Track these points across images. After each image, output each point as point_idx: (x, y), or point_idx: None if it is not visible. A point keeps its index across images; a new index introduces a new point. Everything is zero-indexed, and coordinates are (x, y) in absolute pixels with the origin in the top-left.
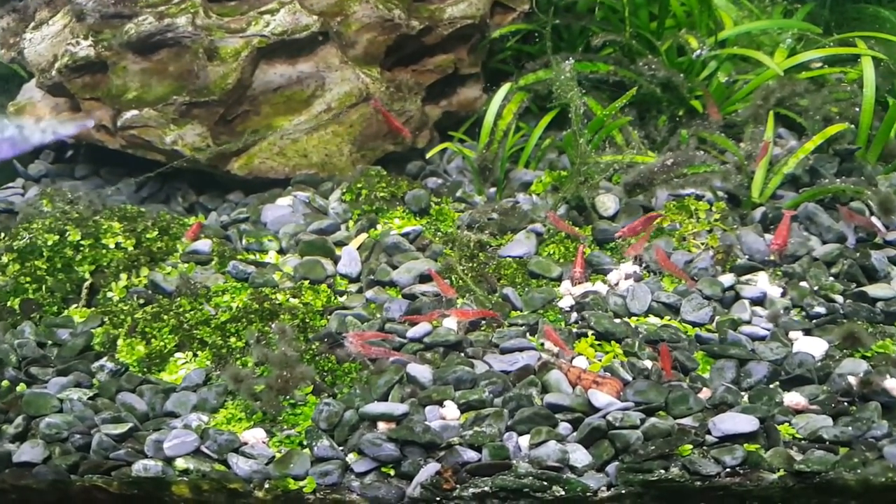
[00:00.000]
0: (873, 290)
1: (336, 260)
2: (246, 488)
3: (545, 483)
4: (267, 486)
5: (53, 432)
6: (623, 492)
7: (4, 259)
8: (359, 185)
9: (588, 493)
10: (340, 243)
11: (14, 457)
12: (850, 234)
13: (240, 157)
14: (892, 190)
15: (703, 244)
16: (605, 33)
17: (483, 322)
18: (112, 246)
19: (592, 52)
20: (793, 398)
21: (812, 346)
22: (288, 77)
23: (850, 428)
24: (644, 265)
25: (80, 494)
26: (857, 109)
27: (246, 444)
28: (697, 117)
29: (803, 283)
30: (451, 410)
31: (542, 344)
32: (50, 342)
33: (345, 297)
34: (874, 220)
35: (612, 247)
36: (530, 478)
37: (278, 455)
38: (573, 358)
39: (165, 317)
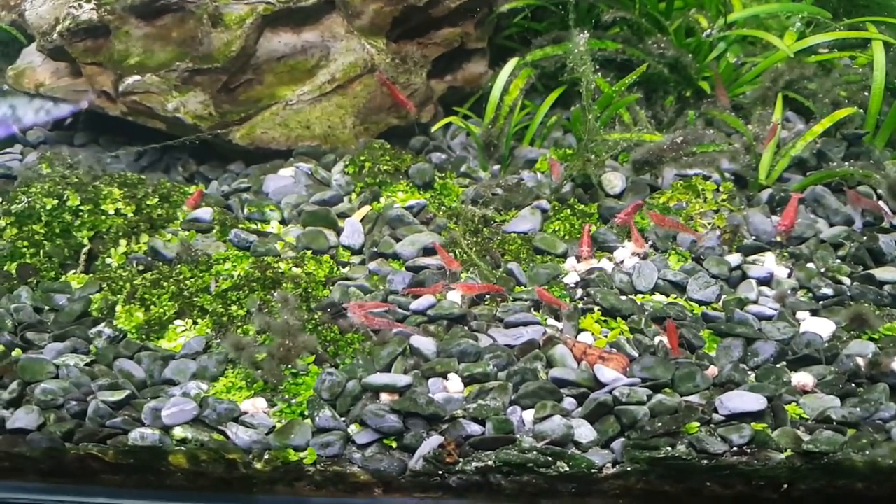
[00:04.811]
0: (881, 273)
1: (339, 231)
2: (245, 459)
3: (549, 458)
4: (267, 456)
5: (49, 399)
6: (628, 469)
7: (2, 223)
8: (362, 158)
9: (593, 470)
10: (343, 215)
11: (8, 423)
12: (857, 217)
13: (242, 126)
14: None
15: (709, 224)
16: (614, 10)
17: (487, 296)
18: (112, 212)
19: (601, 31)
20: (800, 378)
21: (820, 327)
22: (292, 46)
23: (857, 409)
24: (650, 243)
25: (74, 463)
26: (866, 94)
27: (246, 413)
28: (705, 98)
29: (810, 265)
30: (454, 383)
31: (546, 319)
32: (47, 307)
33: (347, 268)
34: (881, 203)
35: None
36: (534, 453)
37: (279, 425)
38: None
39: (165, 284)
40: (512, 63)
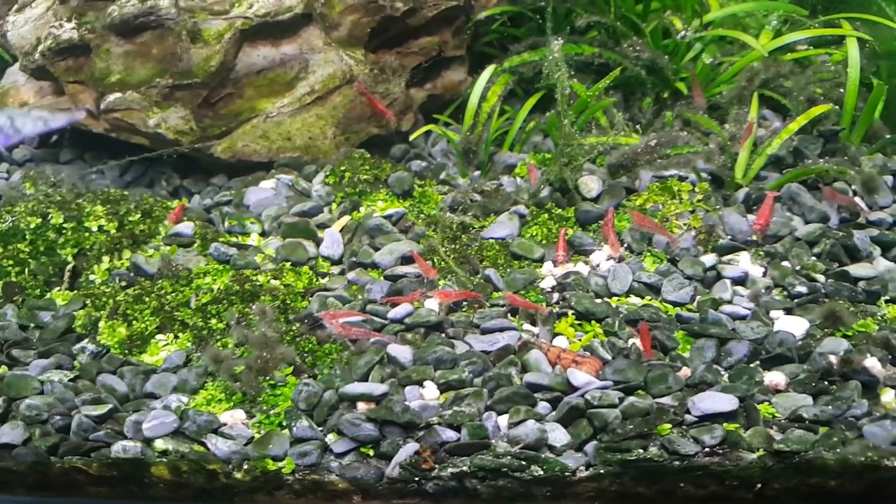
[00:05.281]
0: (855, 269)
1: (318, 242)
2: (225, 469)
3: (524, 462)
4: (246, 466)
5: (34, 414)
6: (601, 471)
7: None
8: (342, 168)
9: (566, 473)
10: (323, 226)
11: None
12: (833, 214)
13: (223, 140)
14: (875, 170)
15: (685, 225)
16: (589, 14)
17: (465, 303)
18: (95, 229)
19: (577, 35)
20: (773, 377)
21: (793, 326)
22: (271, 59)
23: (829, 407)
24: (625, 245)
25: (59, 476)
26: (842, 91)
27: (225, 424)
28: (682, 99)
29: (785, 263)
30: (430, 390)
31: (522, 324)
32: (32, 325)
33: (327, 278)
34: (857, 200)
35: (595, 228)
36: (509, 457)
37: (257, 436)
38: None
39: (147, 299)
40: (489, 70)
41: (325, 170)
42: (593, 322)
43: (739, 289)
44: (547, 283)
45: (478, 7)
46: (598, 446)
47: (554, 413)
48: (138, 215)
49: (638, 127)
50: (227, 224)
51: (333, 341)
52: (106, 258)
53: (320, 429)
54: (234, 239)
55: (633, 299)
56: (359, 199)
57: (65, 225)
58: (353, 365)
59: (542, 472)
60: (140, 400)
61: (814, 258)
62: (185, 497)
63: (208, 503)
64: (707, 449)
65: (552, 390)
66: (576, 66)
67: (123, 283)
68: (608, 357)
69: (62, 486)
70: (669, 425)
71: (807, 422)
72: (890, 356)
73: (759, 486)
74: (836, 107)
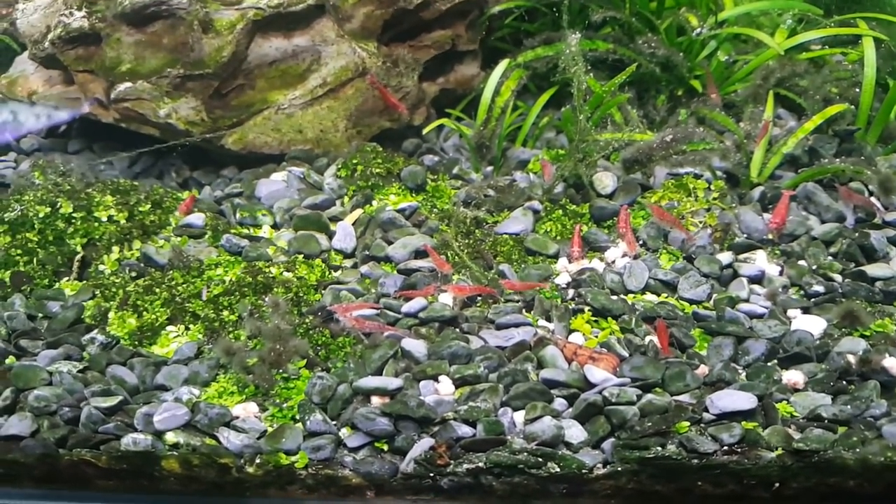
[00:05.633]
0: (872, 269)
1: (331, 235)
2: (237, 463)
3: (540, 459)
4: (258, 460)
5: (42, 405)
6: (619, 469)
7: None
8: (354, 161)
9: (583, 470)
10: (335, 218)
11: (1, 430)
12: (849, 213)
13: (234, 131)
14: (891, 170)
15: (700, 223)
16: (604, 10)
17: (479, 298)
18: (104, 219)
19: (592, 31)
20: (791, 376)
21: (811, 325)
22: (283, 50)
23: (848, 406)
24: (641, 242)
25: (68, 468)
26: (857, 90)
27: (237, 417)
28: (697, 97)
29: (802, 262)
30: (445, 385)
31: (538, 320)
32: (40, 315)
33: (339, 271)
34: (873, 199)
35: (610, 224)
36: (525, 454)
37: (270, 429)
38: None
39: (157, 290)
40: (503, 65)
41: (336, 163)
42: (609, 319)
43: (756, 287)
44: (562, 280)
45: (492, 1)
46: (615, 443)
47: (571, 410)
48: (148, 206)
49: (652, 125)
50: (238, 216)
51: (347, 334)
52: (116, 248)
53: (334, 423)
54: (245, 231)
55: (650, 296)
56: (371, 193)
57: (74, 214)
58: (366, 359)
59: (558, 469)
60: (150, 392)
61: (830, 258)
62: (196, 491)
63: (220, 498)
64: (725, 447)
65: (569, 387)
66: (590, 62)
67: (133, 274)
68: (625, 354)
69: (71, 478)
70: (688, 423)
71: (826, 421)
72: None
73: (777, 485)
74: (852, 106)
